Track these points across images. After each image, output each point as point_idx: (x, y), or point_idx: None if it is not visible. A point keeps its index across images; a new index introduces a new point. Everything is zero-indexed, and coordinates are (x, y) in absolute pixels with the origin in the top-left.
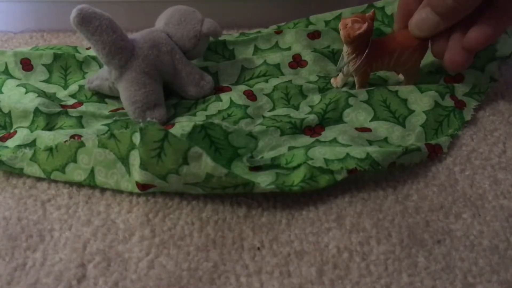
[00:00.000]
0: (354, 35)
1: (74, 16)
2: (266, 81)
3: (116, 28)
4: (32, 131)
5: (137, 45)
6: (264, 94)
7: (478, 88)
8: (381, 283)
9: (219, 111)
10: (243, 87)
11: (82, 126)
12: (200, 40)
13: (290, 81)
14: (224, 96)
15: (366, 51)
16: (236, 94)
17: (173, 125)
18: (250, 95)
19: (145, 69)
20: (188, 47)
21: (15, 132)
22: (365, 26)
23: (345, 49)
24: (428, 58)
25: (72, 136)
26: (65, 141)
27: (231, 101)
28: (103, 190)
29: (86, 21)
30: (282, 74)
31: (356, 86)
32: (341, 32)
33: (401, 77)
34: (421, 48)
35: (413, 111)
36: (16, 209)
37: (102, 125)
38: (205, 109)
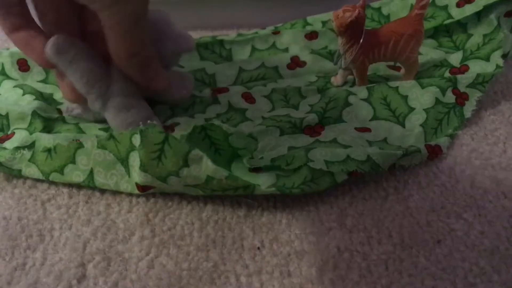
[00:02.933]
0: (346, 23)
1: (50, 46)
2: (264, 85)
3: (93, 56)
4: (30, 133)
5: (114, 69)
6: (262, 96)
7: (482, 78)
8: (382, 283)
9: (218, 115)
10: (241, 89)
11: (81, 130)
12: (174, 58)
13: (288, 85)
14: (223, 99)
15: (361, 41)
16: (234, 98)
17: (172, 129)
18: (249, 98)
19: (126, 90)
20: (162, 63)
21: (13, 133)
22: (356, 12)
23: (340, 40)
24: (431, 52)
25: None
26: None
27: (230, 104)
28: (103, 190)
29: (62, 51)
30: (281, 76)
31: (357, 82)
32: (333, 24)
33: (402, 72)
34: (416, 35)
35: (413, 109)
36: (16, 208)
37: (99, 129)
38: (203, 112)
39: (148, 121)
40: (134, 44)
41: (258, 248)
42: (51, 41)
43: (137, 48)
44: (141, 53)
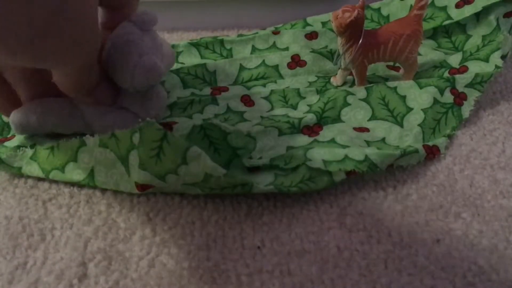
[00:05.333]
0: (346, 24)
1: (12, 124)
2: (264, 85)
3: (53, 104)
4: (31, 136)
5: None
6: (261, 97)
7: (481, 78)
8: (381, 282)
9: (216, 115)
10: (240, 91)
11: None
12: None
13: (288, 86)
14: (221, 101)
15: (360, 41)
16: (233, 101)
17: (170, 127)
18: (248, 101)
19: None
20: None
21: (13, 136)
22: (355, 13)
23: (339, 41)
24: (431, 53)
25: None
26: None
27: (228, 107)
28: (104, 189)
29: (23, 125)
30: (281, 75)
31: (356, 82)
32: (333, 24)
33: (401, 72)
34: (415, 35)
35: (411, 109)
36: (17, 208)
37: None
38: (201, 112)
39: (148, 118)
40: (79, 83)
41: (259, 247)
42: (10, 119)
43: (83, 84)
44: (85, 86)
